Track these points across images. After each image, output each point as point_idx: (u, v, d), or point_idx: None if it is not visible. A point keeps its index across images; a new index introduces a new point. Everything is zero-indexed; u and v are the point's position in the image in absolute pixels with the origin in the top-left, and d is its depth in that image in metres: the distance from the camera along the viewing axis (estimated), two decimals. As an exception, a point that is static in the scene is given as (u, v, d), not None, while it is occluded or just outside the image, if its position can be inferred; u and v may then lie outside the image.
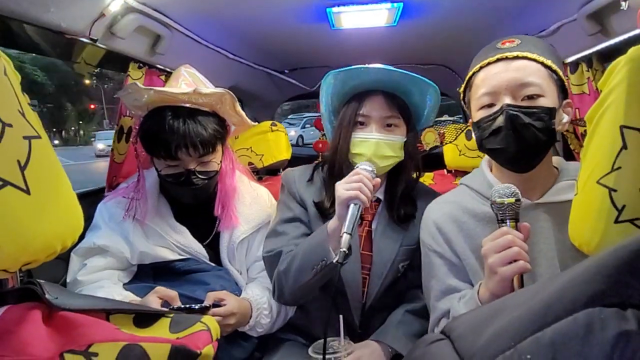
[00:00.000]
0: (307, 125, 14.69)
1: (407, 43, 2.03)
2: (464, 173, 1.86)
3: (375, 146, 1.16)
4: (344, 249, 0.95)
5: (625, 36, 1.26)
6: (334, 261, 0.96)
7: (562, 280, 0.46)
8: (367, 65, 1.16)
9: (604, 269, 0.40)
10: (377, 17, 1.62)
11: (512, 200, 0.85)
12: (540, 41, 1.01)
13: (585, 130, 1.55)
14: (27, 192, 0.53)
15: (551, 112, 0.93)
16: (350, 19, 1.63)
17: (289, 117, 16.83)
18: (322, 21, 1.65)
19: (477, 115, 1.00)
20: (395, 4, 1.49)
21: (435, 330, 1.03)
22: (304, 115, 15.73)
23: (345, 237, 0.96)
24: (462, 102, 1.11)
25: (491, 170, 1.09)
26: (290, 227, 1.22)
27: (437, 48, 2.14)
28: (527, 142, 0.92)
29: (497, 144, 0.95)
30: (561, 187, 0.98)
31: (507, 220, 0.85)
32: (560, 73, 0.98)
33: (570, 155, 1.74)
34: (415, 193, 1.30)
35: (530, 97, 0.93)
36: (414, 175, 1.30)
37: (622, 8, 1.07)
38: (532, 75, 0.94)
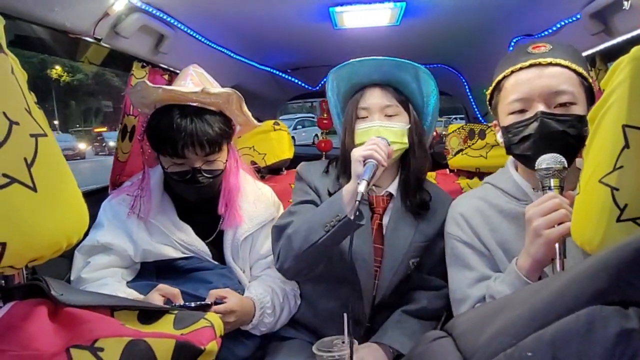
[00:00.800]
0: (298, 127, 14.46)
1: (410, 42, 2.03)
2: (466, 172, 1.86)
3: (377, 133, 1.19)
4: (362, 191, 0.99)
5: (629, 35, 1.26)
6: (349, 216, 1.00)
7: (564, 278, 0.46)
8: (361, 59, 1.21)
9: (606, 267, 0.41)
10: (380, 17, 1.63)
11: (560, 167, 0.88)
12: (570, 47, 1.01)
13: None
14: (34, 189, 0.53)
15: (583, 120, 0.93)
16: (353, 18, 1.63)
17: (280, 118, 16.63)
18: (324, 20, 1.66)
19: (506, 119, 1.01)
20: (398, 4, 1.49)
21: None
22: (297, 116, 15.56)
23: (363, 184, 1.00)
24: (489, 104, 1.12)
25: (517, 169, 1.10)
26: (304, 207, 1.22)
27: (440, 48, 2.14)
28: (558, 149, 0.92)
29: (527, 150, 0.96)
30: None
31: (552, 188, 0.88)
32: (590, 79, 0.98)
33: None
34: (428, 187, 1.31)
35: (563, 105, 0.94)
36: (425, 168, 1.30)
37: (624, 8, 1.07)
38: (565, 83, 0.94)
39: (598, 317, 0.39)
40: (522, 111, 0.98)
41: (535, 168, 0.91)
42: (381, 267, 1.23)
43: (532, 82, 0.96)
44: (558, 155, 0.89)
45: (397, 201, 1.27)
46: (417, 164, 1.26)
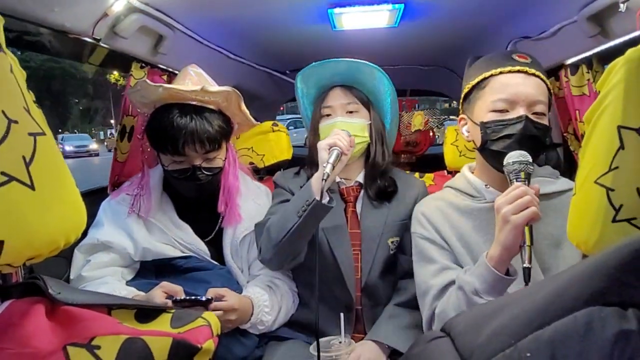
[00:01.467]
0: (290, 127, 14.49)
1: (408, 44, 2.04)
2: (464, 174, 1.87)
3: (339, 127, 1.27)
4: (328, 171, 1.09)
5: (625, 38, 1.27)
6: (316, 198, 1.10)
7: (562, 278, 0.46)
8: (321, 61, 1.33)
9: (604, 268, 0.41)
10: (379, 18, 1.63)
11: (525, 159, 0.97)
12: (540, 64, 1.12)
13: (585, 131, 1.55)
14: (32, 187, 0.53)
15: (549, 131, 1.07)
16: (351, 20, 1.64)
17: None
18: (323, 22, 1.66)
19: (487, 116, 1.07)
20: (397, 5, 1.50)
21: (431, 315, 1.08)
22: (287, 117, 15.51)
23: (329, 166, 1.11)
24: (463, 98, 1.19)
25: (472, 173, 1.21)
26: (282, 206, 1.29)
27: (438, 49, 2.15)
28: (531, 151, 1.01)
29: (505, 148, 1.03)
30: (532, 183, 1.05)
31: (520, 180, 0.96)
32: (551, 94, 1.12)
33: (570, 156, 1.75)
34: (395, 175, 1.42)
35: (537, 114, 1.05)
36: (384, 159, 1.39)
37: (620, 10, 1.08)
38: (542, 94, 1.06)
39: (597, 317, 0.39)
40: (503, 111, 1.05)
41: (504, 163, 0.99)
42: (361, 251, 1.31)
43: (518, 86, 1.05)
44: (524, 152, 0.98)
45: (365, 189, 1.37)
46: (378, 157, 1.37)
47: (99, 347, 0.53)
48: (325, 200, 1.14)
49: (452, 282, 1.05)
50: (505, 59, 1.09)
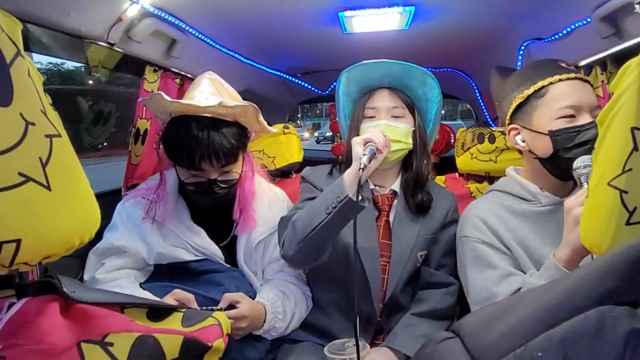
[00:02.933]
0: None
1: (419, 47, 2.04)
2: (476, 176, 1.85)
3: (383, 129, 1.22)
4: (365, 162, 1.06)
5: (640, 39, 1.25)
6: (350, 196, 1.04)
7: (573, 278, 0.46)
8: (374, 60, 1.26)
9: (616, 267, 0.40)
10: (389, 21, 1.63)
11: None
12: None
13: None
14: (48, 188, 0.55)
15: None
16: (362, 23, 1.64)
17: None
18: (334, 25, 1.67)
19: (555, 124, 1.06)
20: (407, 8, 1.50)
21: None
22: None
23: (365, 158, 1.07)
24: (518, 108, 1.15)
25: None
26: (309, 202, 1.23)
27: (449, 52, 2.14)
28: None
29: (581, 154, 1.01)
30: (580, 192, 1.02)
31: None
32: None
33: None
34: (429, 187, 1.35)
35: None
36: (426, 170, 1.34)
37: (635, 11, 1.07)
38: (595, 100, 1.08)
39: (608, 316, 0.39)
40: (571, 117, 1.05)
41: (574, 167, 0.98)
42: (390, 263, 1.25)
43: (581, 93, 1.05)
44: (589, 156, 0.96)
45: (401, 198, 1.31)
46: (419, 165, 1.31)
47: (112, 344, 0.54)
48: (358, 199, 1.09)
49: (519, 290, 1.02)
50: (556, 67, 1.10)
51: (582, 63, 1.54)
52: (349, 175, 1.11)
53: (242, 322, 1.11)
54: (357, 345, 0.94)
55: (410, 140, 1.27)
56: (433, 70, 2.47)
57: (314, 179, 1.33)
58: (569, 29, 1.46)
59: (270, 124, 1.38)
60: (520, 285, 1.03)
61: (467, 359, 0.49)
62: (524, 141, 1.14)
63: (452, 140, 2.77)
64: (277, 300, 1.23)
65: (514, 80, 1.16)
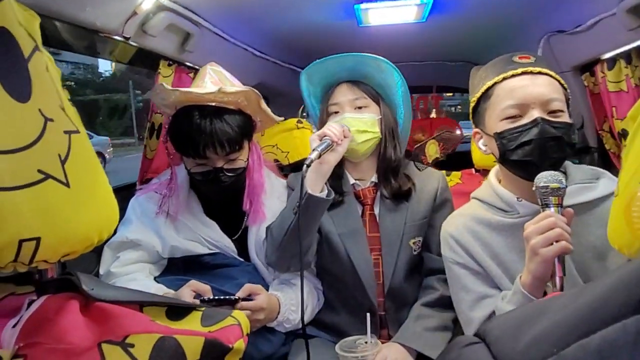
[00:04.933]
0: None
1: (435, 40, 2.00)
2: (493, 172, 1.82)
3: (347, 121, 1.23)
4: (312, 157, 1.06)
5: (668, 31, 1.21)
6: (311, 193, 1.08)
7: (604, 284, 0.44)
8: (323, 58, 1.30)
9: None
10: (406, 13, 1.60)
11: (557, 185, 0.88)
12: (547, 61, 1.06)
13: (622, 129, 1.49)
14: (67, 185, 0.54)
15: (572, 127, 0.98)
16: (378, 15, 1.61)
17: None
18: (349, 18, 1.64)
19: (499, 126, 1.01)
20: (425, 0, 1.46)
21: None
22: None
23: (314, 153, 1.07)
24: (472, 112, 1.12)
25: (499, 182, 1.11)
26: None
27: (467, 45, 2.10)
28: (554, 154, 0.96)
29: (527, 156, 0.96)
30: (570, 191, 0.97)
31: (551, 205, 0.88)
32: (567, 88, 1.04)
33: (605, 155, 1.68)
34: (410, 171, 1.36)
35: (554, 112, 0.97)
36: (397, 156, 1.33)
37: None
38: (555, 92, 0.99)
39: None
40: (516, 117, 0.99)
41: (534, 185, 0.91)
42: (382, 255, 1.26)
43: (526, 88, 0.98)
44: (557, 173, 0.90)
45: (381, 189, 1.31)
46: (389, 152, 1.31)
47: (132, 346, 0.53)
48: (324, 193, 1.11)
49: (493, 313, 1.00)
50: (506, 63, 1.04)
51: (606, 56, 1.50)
52: (310, 173, 1.13)
53: (260, 314, 1.12)
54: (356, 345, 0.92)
55: (378, 129, 1.28)
56: (450, 63, 2.45)
57: (296, 184, 1.33)
58: (592, 21, 1.41)
59: (284, 118, 1.37)
60: (493, 309, 1.00)
61: None
62: (485, 145, 1.09)
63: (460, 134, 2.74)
64: (290, 293, 1.24)
65: (474, 82, 1.13)
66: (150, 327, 0.57)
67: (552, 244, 0.84)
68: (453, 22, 1.74)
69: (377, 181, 1.32)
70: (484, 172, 1.86)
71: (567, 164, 1.07)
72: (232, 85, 1.29)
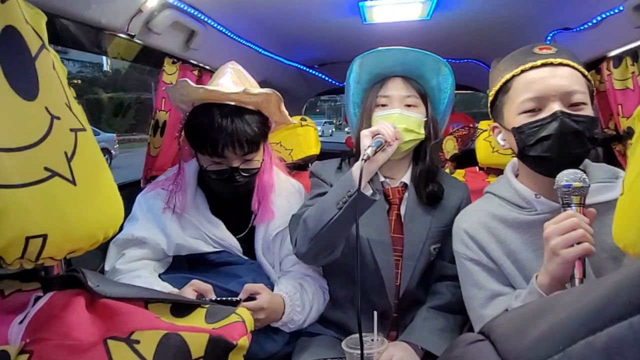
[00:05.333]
0: None
1: (440, 37, 1.99)
2: (496, 170, 1.82)
3: (396, 120, 1.20)
4: (369, 153, 1.03)
5: (676, 28, 1.20)
6: (359, 189, 1.02)
7: (611, 282, 0.43)
8: (388, 47, 1.24)
9: None
10: (411, 11, 1.60)
11: (580, 184, 0.84)
12: (572, 52, 1.01)
13: (628, 128, 1.48)
14: (73, 182, 0.54)
15: (595, 121, 0.94)
16: (382, 12, 1.61)
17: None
18: (354, 15, 1.64)
19: (517, 120, 0.98)
20: (430, -3, 1.46)
21: None
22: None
23: (370, 149, 1.04)
24: (490, 106, 1.09)
25: (516, 177, 1.08)
26: (319, 198, 1.22)
27: (471, 42, 2.09)
28: (575, 150, 0.92)
29: (546, 151, 0.93)
30: (590, 190, 0.93)
31: (573, 205, 0.85)
32: (592, 80, 0.99)
33: (611, 153, 1.67)
34: (440, 178, 1.32)
35: (576, 105, 0.93)
36: (437, 161, 1.32)
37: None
38: (577, 83, 0.94)
39: None
40: (535, 110, 0.95)
41: (555, 184, 0.88)
42: (402, 257, 1.24)
43: (546, 80, 0.94)
44: (579, 171, 0.86)
45: (411, 191, 1.28)
46: (430, 156, 1.29)
47: (138, 342, 0.54)
48: (369, 192, 1.08)
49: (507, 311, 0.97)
50: (526, 54, 0.99)
51: (612, 54, 1.49)
52: (358, 169, 1.08)
53: (260, 313, 1.12)
54: (360, 340, 0.92)
55: (423, 131, 1.25)
56: (454, 61, 2.44)
57: (323, 173, 1.31)
58: (599, 18, 1.41)
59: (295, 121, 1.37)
60: (507, 307, 0.97)
61: None
62: (504, 140, 1.06)
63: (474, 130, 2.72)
64: (296, 293, 1.23)
65: (493, 76, 1.08)
66: (155, 323, 0.57)
67: (573, 245, 0.82)
68: (457, 20, 1.74)
69: (407, 182, 1.30)
70: (488, 170, 1.86)
71: (586, 161, 1.04)
72: (252, 85, 1.29)
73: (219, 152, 1.17)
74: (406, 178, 1.30)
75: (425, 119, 1.26)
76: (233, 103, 1.19)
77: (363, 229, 1.20)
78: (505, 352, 0.48)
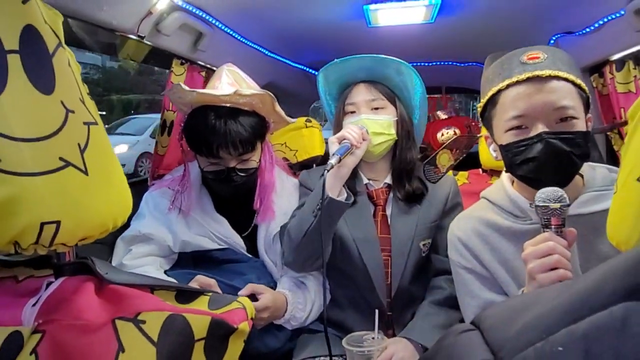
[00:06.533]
0: None
1: (444, 40, 2.01)
2: (499, 172, 1.82)
3: (364, 123, 1.23)
4: (333, 162, 1.06)
5: (676, 32, 1.21)
6: (331, 196, 1.07)
7: (596, 274, 0.45)
8: (343, 58, 1.29)
9: None
10: (415, 14, 1.62)
11: (557, 205, 0.81)
12: (563, 53, 0.95)
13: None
14: (86, 173, 0.57)
15: (586, 136, 0.89)
16: (387, 16, 1.63)
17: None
18: (358, 18, 1.67)
19: (504, 137, 0.94)
20: (434, 1, 1.48)
21: None
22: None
23: (335, 158, 1.07)
24: (480, 117, 1.06)
25: (512, 183, 1.05)
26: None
27: (475, 45, 2.11)
28: (562, 170, 0.89)
29: (531, 173, 0.90)
30: (586, 198, 0.94)
31: (551, 227, 0.82)
32: (586, 88, 0.93)
33: (613, 155, 1.68)
34: (422, 175, 1.33)
35: (565, 120, 0.89)
36: (413, 158, 1.33)
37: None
38: (566, 97, 0.89)
39: (633, 312, 0.37)
40: (520, 127, 0.91)
41: (535, 203, 0.84)
42: (391, 256, 1.26)
43: (531, 97, 0.89)
44: (558, 190, 0.82)
45: (395, 190, 1.31)
46: (405, 154, 1.31)
47: (144, 322, 0.57)
48: (343, 197, 1.11)
49: None
50: (512, 65, 0.93)
51: (614, 57, 1.50)
52: (330, 176, 1.12)
53: (264, 312, 1.14)
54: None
55: (394, 131, 1.28)
56: (458, 64, 2.45)
57: (310, 182, 1.35)
58: (601, 22, 1.42)
59: (292, 117, 1.39)
60: None
61: (486, 352, 0.49)
62: (495, 151, 1.01)
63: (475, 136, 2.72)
64: (298, 291, 1.26)
65: (483, 78, 1.05)
66: (160, 305, 0.60)
67: (549, 271, 0.78)
68: (461, 24, 1.76)
69: (390, 182, 1.32)
70: (492, 173, 1.87)
71: (586, 165, 1.00)
72: (248, 85, 1.32)
73: (214, 153, 1.20)
74: (388, 179, 1.33)
75: (396, 118, 1.29)
76: (228, 105, 1.22)
77: (350, 231, 1.26)
78: (493, 340, 0.50)
